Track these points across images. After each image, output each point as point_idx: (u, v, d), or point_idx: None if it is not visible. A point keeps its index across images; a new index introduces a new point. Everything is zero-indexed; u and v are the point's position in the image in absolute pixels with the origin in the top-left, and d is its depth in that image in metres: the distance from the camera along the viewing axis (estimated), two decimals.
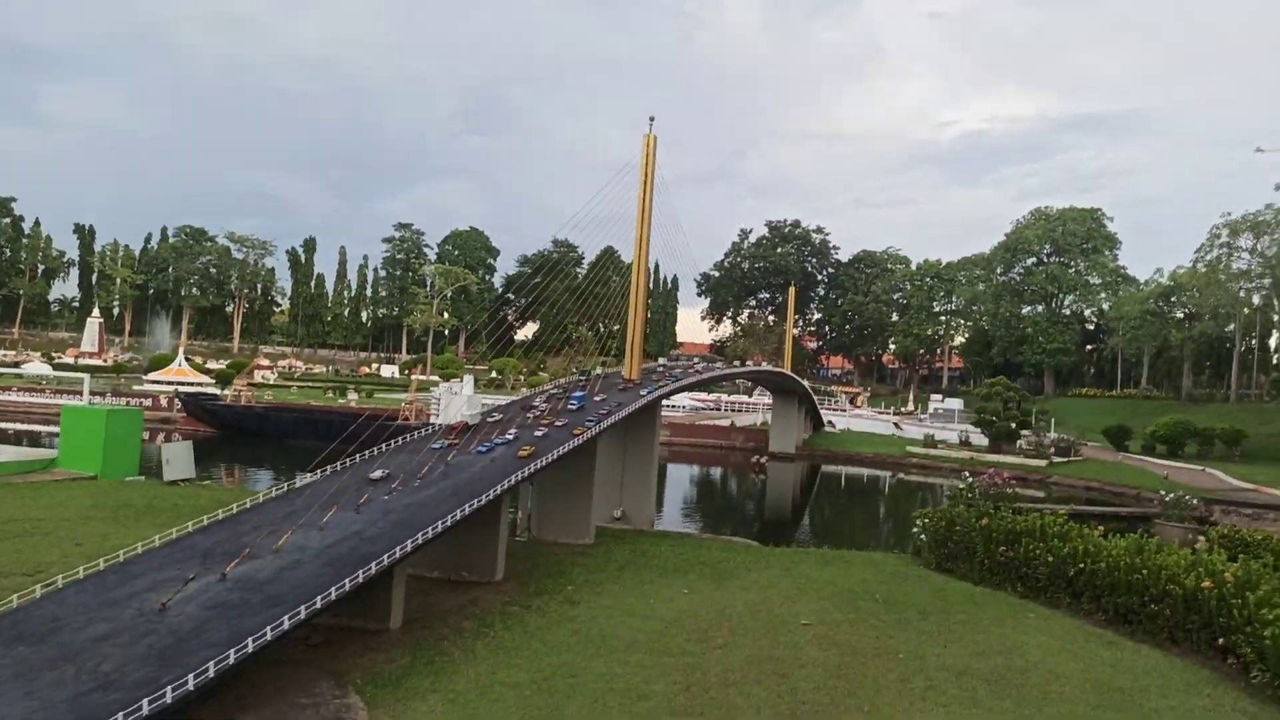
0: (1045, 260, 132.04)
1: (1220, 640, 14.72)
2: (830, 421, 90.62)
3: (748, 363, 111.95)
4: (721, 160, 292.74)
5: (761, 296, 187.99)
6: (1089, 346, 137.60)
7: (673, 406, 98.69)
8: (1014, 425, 69.65)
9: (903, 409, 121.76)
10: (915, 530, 23.70)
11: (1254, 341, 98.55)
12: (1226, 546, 23.46)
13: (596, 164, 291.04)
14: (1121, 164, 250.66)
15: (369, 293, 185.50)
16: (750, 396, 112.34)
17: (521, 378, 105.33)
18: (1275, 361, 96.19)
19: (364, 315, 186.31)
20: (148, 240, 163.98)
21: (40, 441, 44.58)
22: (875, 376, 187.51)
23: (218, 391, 72.17)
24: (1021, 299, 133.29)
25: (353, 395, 77.53)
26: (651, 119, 29.10)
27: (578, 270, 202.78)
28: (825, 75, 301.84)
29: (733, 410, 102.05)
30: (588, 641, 13.85)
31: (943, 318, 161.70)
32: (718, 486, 62.72)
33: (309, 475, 16.83)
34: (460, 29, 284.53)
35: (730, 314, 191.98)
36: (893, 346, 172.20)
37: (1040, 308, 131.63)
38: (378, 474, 16.92)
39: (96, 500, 23.87)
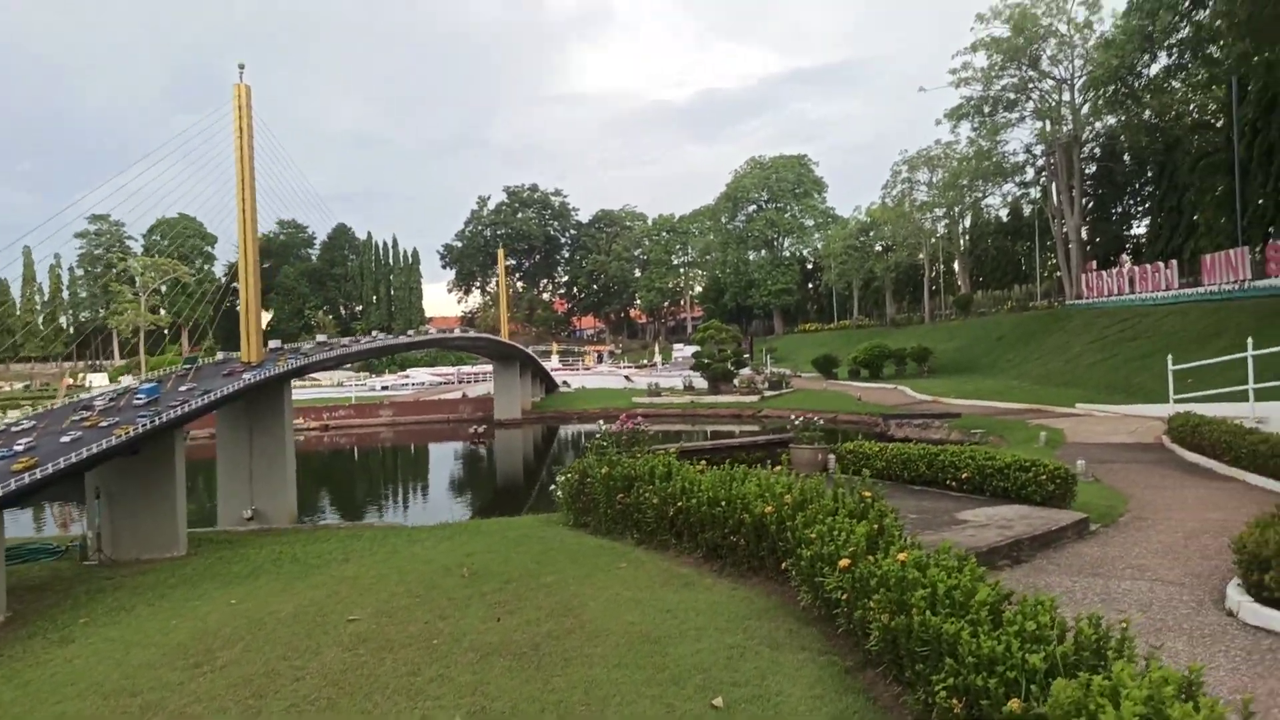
0: (764, 206, 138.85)
1: (783, 565, 14.20)
2: (565, 382, 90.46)
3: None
4: (468, 128, 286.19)
5: (509, 264, 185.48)
6: (810, 285, 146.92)
7: (408, 384, 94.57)
8: (730, 365, 72.27)
9: (644, 362, 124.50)
10: (552, 488, 22.52)
11: (941, 266, 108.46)
12: (850, 461, 24.02)
13: (335, 136, 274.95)
14: (836, 114, 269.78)
15: (66, 295, 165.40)
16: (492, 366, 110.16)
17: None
18: (959, 284, 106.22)
19: (64, 321, 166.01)
20: None
21: None
22: (626, 332, 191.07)
23: None
24: (746, 245, 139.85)
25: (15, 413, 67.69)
26: (241, 66, 25.69)
27: (310, 251, 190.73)
28: (562, 37, 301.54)
29: (466, 382, 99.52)
30: (26, 696, 11.15)
31: (681, 269, 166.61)
32: (438, 464, 60.21)
33: None
34: None
35: (479, 284, 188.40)
36: (639, 301, 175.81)
37: (763, 252, 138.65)
38: None
39: None
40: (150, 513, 20.38)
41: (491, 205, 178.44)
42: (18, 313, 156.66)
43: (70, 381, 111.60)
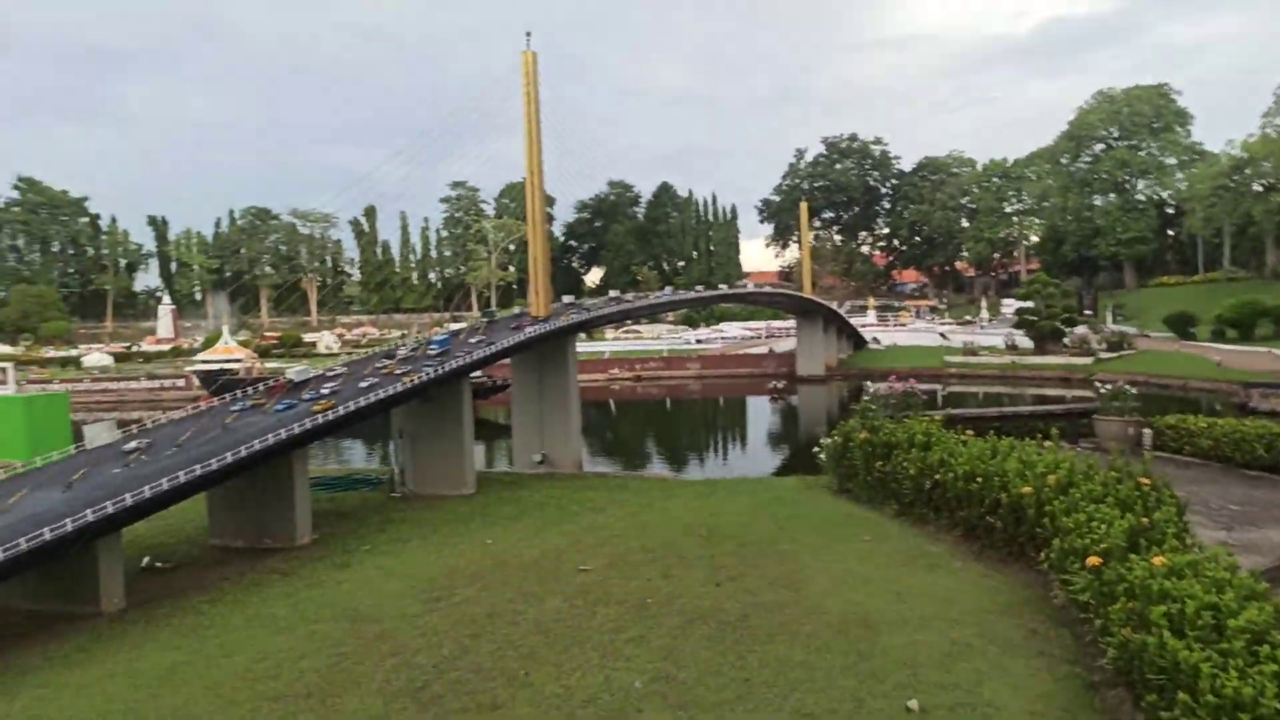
0: (1113, 145, 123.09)
1: (1042, 554, 12.55)
2: (875, 338, 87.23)
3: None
4: (790, 81, 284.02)
5: (826, 216, 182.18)
6: (1169, 232, 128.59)
7: (718, 338, 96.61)
8: (1060, 323, 65.26)
9: (967, 318, 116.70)
10: (816, 450, 21.75)
11: None
12: (1169, 438, 20.88)
13: (661, 100, 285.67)
14: (1211, 36, 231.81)
15: (434, 254, 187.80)
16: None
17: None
18: None
19: (431, 277, 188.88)
20: (218, 225, 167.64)
21: None
22: (951, 287, 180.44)
23: (236, 366, 73.43)
24: (1091, 188, 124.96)
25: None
26: (528, 34, 27.08)
27: (636, 210, 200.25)
28: None
29: (774, 337, 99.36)
30: (294, 613, 12.66)
31: (1014, 218, 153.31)
32: (737, 417, 60.80)
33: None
34: None
35: (795, 238, 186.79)
36: (965, 254, 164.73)
37: (1112, 196, 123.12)
38: (133, 445, 15.92)
39: None
40: (443, 453, 22.53)
41: (809, 157, 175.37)
42: (397, 270, 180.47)
43: (436, 330, 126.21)
